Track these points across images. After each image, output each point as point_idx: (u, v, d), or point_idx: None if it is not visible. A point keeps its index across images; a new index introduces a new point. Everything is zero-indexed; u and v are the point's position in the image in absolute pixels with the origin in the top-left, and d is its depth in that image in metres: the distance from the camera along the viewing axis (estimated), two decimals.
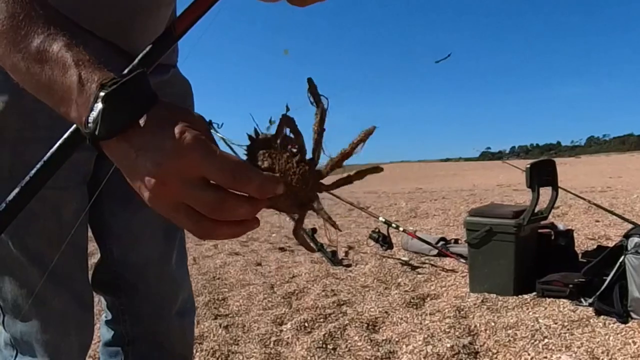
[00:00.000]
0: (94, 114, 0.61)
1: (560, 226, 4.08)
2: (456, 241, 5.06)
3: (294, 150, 0.65)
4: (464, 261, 4.13)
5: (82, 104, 0.64)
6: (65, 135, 0.73)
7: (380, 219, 4.95)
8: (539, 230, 3.81)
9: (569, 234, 3.89)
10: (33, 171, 0.71)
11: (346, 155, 0.66)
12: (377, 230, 4.89)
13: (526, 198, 5.49)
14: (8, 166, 1.05)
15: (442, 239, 5.07)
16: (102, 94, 0.61)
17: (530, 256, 3.67)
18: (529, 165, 3.55)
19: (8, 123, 1.04)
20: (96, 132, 0.61)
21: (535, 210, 3.56)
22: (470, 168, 39.00)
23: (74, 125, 0.71)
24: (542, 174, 3.62)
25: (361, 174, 0.67)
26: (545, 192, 3.63)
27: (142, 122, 0.61)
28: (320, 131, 0.67)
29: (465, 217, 3.89)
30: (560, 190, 3.83)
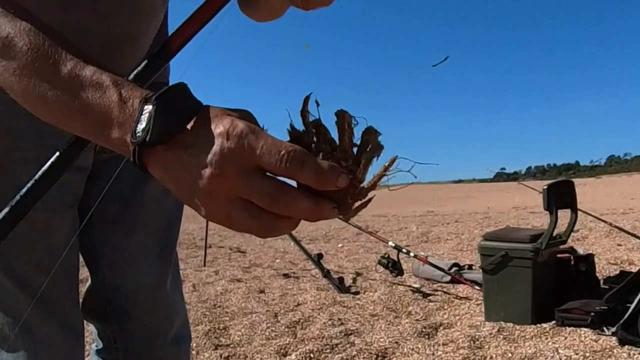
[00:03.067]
0: (142, 125, 0.62)
1: (580, 250, 4.06)
2: (470, 267, 5.04)
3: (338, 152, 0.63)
4: (479, 288, 4.11)
5: (125, 120, 0.65)
6: (58, 153, 0.73)
7: (390, 243, 4.94)
8: (558, 255, 3.78)
9: (589, 258, 3.86)
10: (23, 190, 0.71)
11: (369, 189, 0.64)
12: (386, 255, 4.86)
13: (544, 221, 5.47)
14: None
15: (455, 264, 5.05)
16: (148, 107, 0.63)
17: (548, 282, 3.64)
18: (546, 187, 3.54)
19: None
20: (147, 139, 0.61)
21: (554, 234, 3.53)
22: (484, 190, 38.95)
23: (66, 143, 0.72)
24: (561, 196, 3.61)
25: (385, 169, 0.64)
26: (564, 215, 3.61)
27: (190, 125, 0.63)
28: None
29: (480, 241, 3.87)
30: (579, 213, 3.81)
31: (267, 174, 0.59)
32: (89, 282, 1.32)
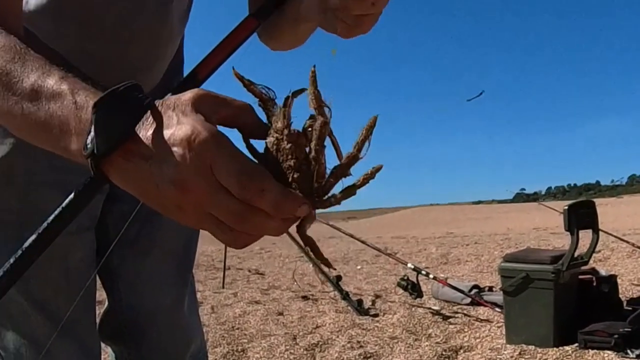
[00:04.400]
0: (91, 135, 0.60)
1: (603, 272, 4.01)
2: (490, 289, 4.99)
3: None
4: (499, 310, 4.07)
5: (80, 131, 0.63)
6: (85, 181, 0.73)
7: (409, 265, 4.92)
8: (580, 277, 3.73)
9: (612, 279, 3.81)
10: (50, 218, 0.70)
11: (353, 158, 0.61)
12: (405, 277, 4.83)
13: (565, 242, 5.42)
14: (16, 210, 1.08)
15: (476, 286, 5.00)
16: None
17: (570, 304, 3.59)
18: (567, 207, 3.51)
19: (16, 166, 1.07)
20: (95, 151, 0.59)
21: (575, 255, 3.50)
22: (504, 211, 38.59)
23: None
24: (581, 216, 3.57)
25: (366, 178, 0.61)
26: (585, 235, 3.58)
27: (146, 130, 0.59)
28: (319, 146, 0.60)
29: (500, 263, 3.84)
30: (601, 233, 3.77)
31: None
32: (106, 304, 1.33)
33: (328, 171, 0.61)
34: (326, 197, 0.61)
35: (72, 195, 0.71)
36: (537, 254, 3.86)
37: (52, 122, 0.66)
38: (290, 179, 0.58)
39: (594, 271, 3.87)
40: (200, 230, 1.39)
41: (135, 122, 0.59)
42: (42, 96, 0.67)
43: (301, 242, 0.63)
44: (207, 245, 10.48)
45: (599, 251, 6.62)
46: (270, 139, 0.60)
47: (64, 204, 0.70)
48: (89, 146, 0.60)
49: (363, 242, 5.93)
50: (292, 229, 0.61)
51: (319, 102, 0.60)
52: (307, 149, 0.59)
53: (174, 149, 0.56)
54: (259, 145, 0.62)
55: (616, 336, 3.16)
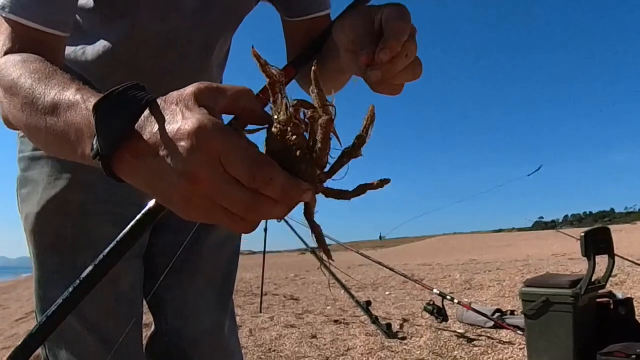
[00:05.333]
0: (94, 140, 0.59)
1: (619, 295, 3.89)
2: (512, 313, 4.90)
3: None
4: (521, 333, 3.98)
5: (91, 135, 0.62)
6: (140, 215, 0.72)
7: (435, 291, 4.84)
8: (598, 300, 3.63)
9: (628, 302, 3.70)
10: (107, 250, 0.72)
11: (362, 140, 0.60)
12: (431, 302, 4.77)
13: (582, 267, 5.30)
14: (71, 238, 1.09)
15: (498, 310, 4.92)
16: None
17: (589, 327, 3.50)
18: (583, 234, 3.44)
19: (72, 198, 1.10)
20: (100, 151, 0.58)
21: (593, 280, 3.42)
22: (523, 238, 38.03)
23: (150, 204, 0.71)
24: (598, 242, 3.50)
25: (369, 187, 0.62)
26: (602, 261, 3.50)
27: (151, 126, 0.57)
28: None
29: (521, 288, 3.77)
30: (617, 258, 3.68)
31: None
32: (153, 327, 1.33)
33: (331, 161, 0.60)
34: (338, 191, 0.62)
35: (127, 229, 0.71)
36: (556, 279, 3.78)
37: (70, 130, 0.67)
38: (295, 167, 0.57)
39: (611, 294, 3.77)
40: (239, 259, 1.40)
41: (134, 119, 0.58)
42: (61, 108, 0.68)
43: (323, 254, 0.63)
44: (246, 273, 10.51)
45: (615, 275, 6.48)
46: (274, 130, 0.59)
47: (119, 237, 0.70)
48: (94, 147, 0.60)
49: (391, 269, 5.86)
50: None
51: (323, 100, 0.59)
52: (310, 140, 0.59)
53: (182, 143, 0.54)
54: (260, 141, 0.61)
55: (634, 357, 3.06)
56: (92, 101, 0.63)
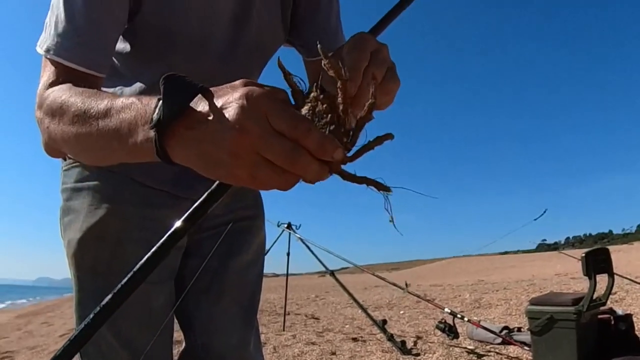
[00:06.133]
0: (159, 106, 0.64)
1: (619, 311, 3.82)
2: (519, 329, 4.82)
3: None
4: (528, 349, 3.90)
5: (146, 120, 0.66)
6: (163, 239, 0.75)
7: (446, 310, 4.79)
8: (599, 316, 3.57)
9: (628, 318, 3.63)
10: (136, 267, 0.73)
11: (372, 104, 0.63)
12: (443, 320, 4.71)
13: (584, 286, 5.22)
14: (108, 262, 1.11)
15: (506, 327, 4.84)
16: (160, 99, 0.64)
17: (592, 342, 3.43)
18: (584, 255, 3.40)
19: (109, 226, 1.12)
20: (161, 118, 0.62)
21: (594, 297, 3.37)
22: (528, 259, 37.48)
23: (172, 228, 0.73)
24: (598, 262, 3.45)
25: (377, 140, 0.64)
26: (602, 279, 3.45)
27: (204, 101, 0.62)
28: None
29: (527, 306, 3.71)
30: (616, 277, 3.63)
31: None
32: (184, 344, 1.34)
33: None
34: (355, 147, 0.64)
35: (150, 252, 0.73)
36: (559, 297, 3.72)
37: (122, 126, 0.70)
38: (327, 132, 0.61)
39: (611, 311, 3.71)
40: (263, 281, 1.41)
41: (192, 96, 0.63)
42: (113, 111, 0.72)
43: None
44: (270, 294, 10.46)
45: (615, 293, 6.35)
46: (305, 108, 0.63)
47: (145, 258, 0.73)
48: (154, 117, 0.63)
49: (404, 289, 5.81)
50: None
51: (337, 68, 0.62)
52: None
53: (233, 104, 0.59)
54: None
55: None
56: (146, 99, 0.69)
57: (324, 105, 0.62)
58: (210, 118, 0.60)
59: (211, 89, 0.64)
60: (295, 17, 1.25)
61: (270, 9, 1.20)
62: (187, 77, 0.65)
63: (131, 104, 0.70)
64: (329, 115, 0.62)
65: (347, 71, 0.64)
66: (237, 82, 0.64)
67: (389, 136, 0.64)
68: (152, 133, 0.64)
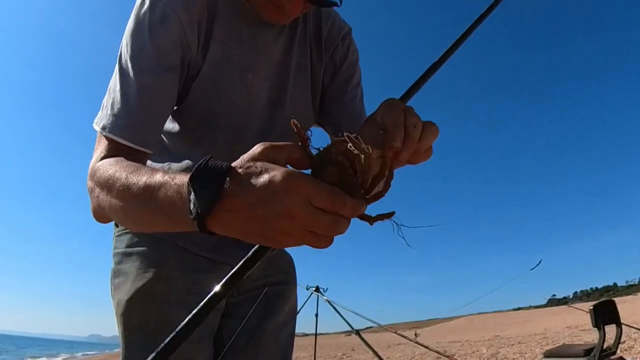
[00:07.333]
0: (192, 204, 0.65)
1: (629, 359, 3.63)
2: None
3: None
4: None
5: (184, 204, 0.67)
6: (204, 302, 0.74)
7: None
8: None
9: None
10: (178, 327, 0.72)
11: (385, 164, 0.68)
12: None
13: (594, 337, 5.00)
14: (153, 322, 1.10)
15: None
16: (190, 189, 0.65)
17: None
18: (592, 307, 3.27)
19: (156, 289, 1.11)
20: (199, 212, 0.63)
21: (604, 347, 3.20)
22: (540, 314, 36.07)
23: (212, 292, 0.73)
24: (605, 314, 3.31)
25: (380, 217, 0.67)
26: (611, 330, 3.30)
27: (239, 186, 0.63)
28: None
29: (541, 358, 3.55)
30: (623, 326, 3.46)
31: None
32: None
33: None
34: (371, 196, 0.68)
35: (192, 314, 0.73)
36: (572, 348, 3.56)
37: (162, 205, 0.72)
38: (351, 191, 0.64)
39: (622, 359, 3.52)
40: (294, 340, 1.38)
41: (222, 184, 0.63)
42: (152, 189, 0.74)
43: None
44: (300, 352, 10.19)
45: (624, 342, 6.06)
46: (331, 169, 0.65)
47: (187, 319, 0.72)
48: (193, 211, 0.65)
49: (426, 347, 5.61)
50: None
51: (359, 145, 0.65)
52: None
53: (276, 191, 0.61)
54: None
55: None
56: (178, 178, 0.71)
57: (346, 172, 0.65)
58: (255, 203, 0.62)
59: (238, 165, 0.65)
60: (324, 101, 1.29)
61: (302, 95, 1.24)
62: (211, 163, 0.66)
63: (166, 183, 0.72)
64: (353, 179, 0.65)
65: (389, 128, 0.70)
66: (258, 151, 0.65)
67: (391, 214, 0.67)
68: (194, 221, 0.66)
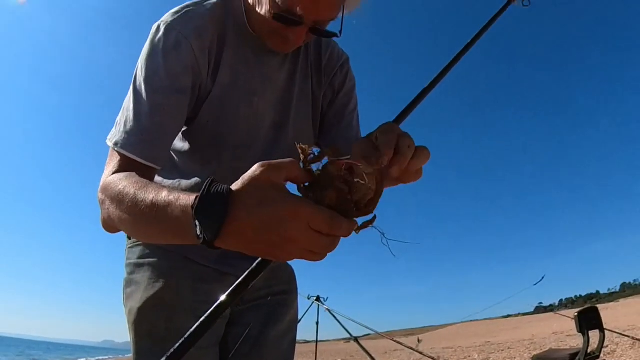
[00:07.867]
0: (197, 230, 0.67)
1: None
2: None
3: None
4: None
5: (189, 225, 0.69)
6: (210, 310, 0.75)
7: None
8: None
9: None
10: (187, 334, 0.73)
11: (371, 201, 0.69)
12: None
13: (578, 342, 4.99)
14: (164, 329, 1.10)
15: None
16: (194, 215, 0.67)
17: None
18: (576, 314, 3.28)
19: (165, 298, 1.12)
20: (207, 238, 0.66)
21: (588, 351, 3.20)
22: (528, 321, 35.86)
23: (218, 301, 0.75)
24: (589, 320, 3.31)
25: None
26: (594, 335, 3.30)
27: (243, 210, 0.65)
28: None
29: None
30: (606, 332, 3.46)
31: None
32: None
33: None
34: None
35: (199, 321, 0.74)
36: (558, 353, 3.55)
37: (169, 223, 0.73)
38: (347, 213, 0.66)
39: None
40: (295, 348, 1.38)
41: (226, 207, 0.65)
42: (159, 207, 0.75)
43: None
44: (301, 359, 10.07)
45: (607, 346, 6.05)
46: (329, 193, 0.66)
47: (194, 326, 0.73)
48: (200, 236, 0.67)
49: (420, 352, 5.58)
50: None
51: (361, 174, 0.67)
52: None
53: (281, 220, 0.63)
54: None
55: None
56: (183, 199, 0.72)
57: (342, 195, 0.67)
58: (260, 226, 0.64)
59: (239, 188, 0.67)
60: (323, 125, 1.30)
61: (304, 118, 1.26)
62: (213, 189, 0.67)
63: (171, 203, 0.73)
64: (349, 203, 0.67)
65: (381, 148, 0.72)
66: (258, 173, 0.67)
67: (373, 219, 0.69)
68: (200, 243, 0.68)
